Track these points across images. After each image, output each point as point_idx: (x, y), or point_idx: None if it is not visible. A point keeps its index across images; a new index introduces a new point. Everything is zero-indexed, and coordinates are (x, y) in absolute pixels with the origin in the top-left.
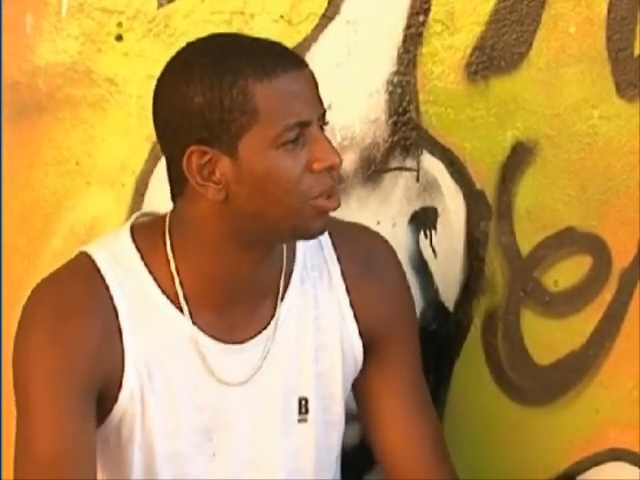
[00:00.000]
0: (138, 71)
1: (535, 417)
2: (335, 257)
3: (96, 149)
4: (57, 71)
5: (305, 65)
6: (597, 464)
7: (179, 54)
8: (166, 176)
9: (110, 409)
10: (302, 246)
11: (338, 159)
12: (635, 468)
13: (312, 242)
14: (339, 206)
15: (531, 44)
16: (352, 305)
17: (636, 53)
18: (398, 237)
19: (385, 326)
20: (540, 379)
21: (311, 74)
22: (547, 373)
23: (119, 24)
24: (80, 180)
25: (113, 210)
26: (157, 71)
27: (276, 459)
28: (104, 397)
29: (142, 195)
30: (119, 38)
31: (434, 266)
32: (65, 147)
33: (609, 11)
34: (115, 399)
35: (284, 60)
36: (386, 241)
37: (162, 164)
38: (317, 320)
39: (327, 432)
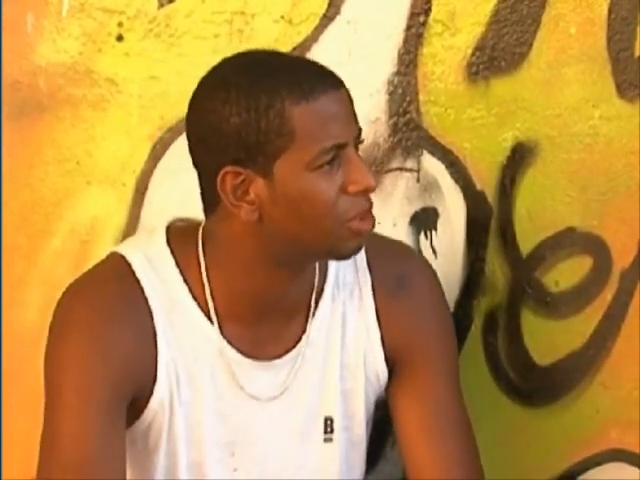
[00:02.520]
0: (139, 71)
1: (535, 417)
2: (368, 276)
3: (97, 149)
4: (58, 71)
5: (342, 85)
6: (598, 464)
7: (214, 71)
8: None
9: (140, 413)
10: (335, 263)
11: (373, 182)
12: (635, 469)
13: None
14: (374, 228)
15: (532, 44)
16: (380, 324)
17: (637, 54)
18: (398, 237)
19: (413, 346)
20: (540, 379)
21: (347, 93)
22: (547, 373)
23: (120, 24)
24: (80, 179)
25: (113, 210)
26: (158, 71)
27: (299, 477)
28: (135, 400)
29: (142, 195)
30: (120, 38)
31: (434, 266)
32: (66, 147)
33: (610, 12)
34: (146, 404)
35: (321, 81)
36: (424, 261)
37: (162, 164)
38: (343, 338)
39: (350, 451)
